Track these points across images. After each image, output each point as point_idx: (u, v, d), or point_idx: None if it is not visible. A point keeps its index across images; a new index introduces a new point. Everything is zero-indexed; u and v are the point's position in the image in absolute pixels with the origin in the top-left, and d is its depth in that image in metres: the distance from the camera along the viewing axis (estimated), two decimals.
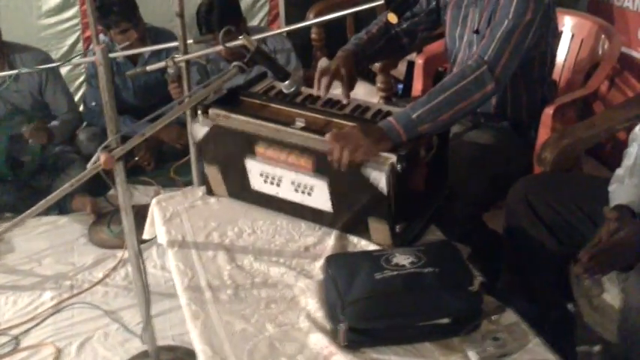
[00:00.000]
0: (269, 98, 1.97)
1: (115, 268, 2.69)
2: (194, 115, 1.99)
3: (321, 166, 1.72)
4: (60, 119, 3.16)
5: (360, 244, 1.81)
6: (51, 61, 3.23)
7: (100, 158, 1.76)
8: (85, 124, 3.28)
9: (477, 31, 1.99)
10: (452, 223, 1.94)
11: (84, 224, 3.00)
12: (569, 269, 1.83)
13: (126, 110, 3.26)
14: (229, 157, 1.91)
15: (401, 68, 3.09)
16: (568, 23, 2.45)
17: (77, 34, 3.75)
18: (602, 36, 2.35)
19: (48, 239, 2.94)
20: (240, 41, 1.71)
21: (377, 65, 2.81)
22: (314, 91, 1.96)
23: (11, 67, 3.01)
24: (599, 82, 2.22)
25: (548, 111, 2.04)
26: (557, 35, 2.06)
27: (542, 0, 1.87)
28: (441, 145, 1.82)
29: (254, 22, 4.27)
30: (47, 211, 3.08)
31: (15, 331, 2.39)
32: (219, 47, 1.72)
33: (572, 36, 2.44)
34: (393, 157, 1.64)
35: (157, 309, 2.24)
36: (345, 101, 1.93)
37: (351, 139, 1.64)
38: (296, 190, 1.82)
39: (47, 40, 4.00)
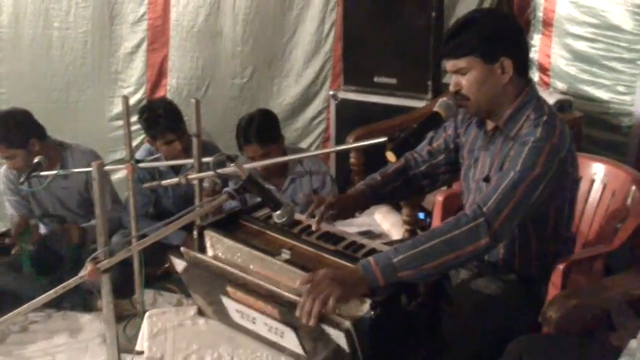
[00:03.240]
0: (267, 225, 1.96)
1: None
2: None
3: (287, 317, 1.65)
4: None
5: None
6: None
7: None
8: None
9: (486, 179, 1.92)
10: None
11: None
12: None
13: (165, 217, 3.32)
14: (207, 291, 1.90)
15: (432, 199, 3.00)
16: (599, 171, 2.32)
17: (142, 136, 3.93)
18: (633, 187, 2.20)
19: (67, 335, 3.00)
20: (233, 169, 1.73)
21: None
22: (312, 223, 1.94)
23: (63, 165, 3.18)
24: (624, 239, 2.06)
25: (559, 267, 1.90)
26: (577, 187, 1.95)
27: (557, 154, 1.77)
28: (432, 293, 1.73)
29: (309, 139, 4.33)
30: (72, 307, 3.16)
31: None
32: (210, 173, 1.74)
33: (604, 186, 2.31)
34: (362, 310, 1.56)
35: None
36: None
37: (323, 287, 1.57)
38: (269, 331, 1.76)
39: (114, 140, 4.26)
